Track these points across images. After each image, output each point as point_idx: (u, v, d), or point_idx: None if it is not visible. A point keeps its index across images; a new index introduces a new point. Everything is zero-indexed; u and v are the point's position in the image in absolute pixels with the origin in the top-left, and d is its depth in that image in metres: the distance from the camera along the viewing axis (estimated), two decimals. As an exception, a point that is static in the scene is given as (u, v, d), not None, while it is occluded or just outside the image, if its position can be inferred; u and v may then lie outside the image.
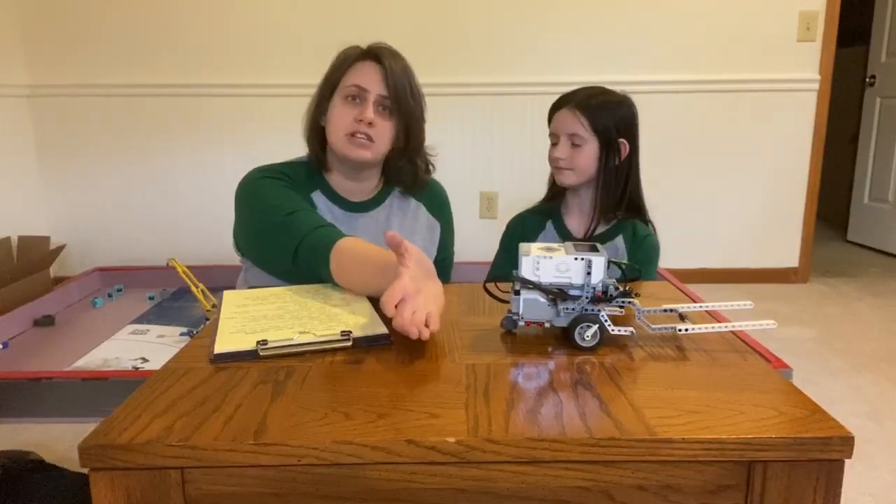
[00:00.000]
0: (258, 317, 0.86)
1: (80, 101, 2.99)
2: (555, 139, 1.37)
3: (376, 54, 1.20)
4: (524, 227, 1.45)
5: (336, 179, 1.27)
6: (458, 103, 2.97)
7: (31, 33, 2.93)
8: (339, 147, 1.20)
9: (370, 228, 1.28)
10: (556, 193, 1.46)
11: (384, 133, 1.21)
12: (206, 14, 2.92)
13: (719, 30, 2.93)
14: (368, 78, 1.18)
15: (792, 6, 2.91)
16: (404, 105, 1.20)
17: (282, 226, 1.11)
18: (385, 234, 0.83)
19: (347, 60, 1.22)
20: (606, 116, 1.33)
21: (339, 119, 1.19)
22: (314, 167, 1.27)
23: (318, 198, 1.25)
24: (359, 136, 1.18)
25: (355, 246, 1.01)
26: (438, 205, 1.38)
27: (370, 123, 1.18)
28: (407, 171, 1.29)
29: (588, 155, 1.34)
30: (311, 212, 1.17)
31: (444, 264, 1.41)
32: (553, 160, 1.37)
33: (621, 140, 1.36)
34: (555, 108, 1.38)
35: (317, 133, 1.25)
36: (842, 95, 3.77)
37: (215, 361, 0.72)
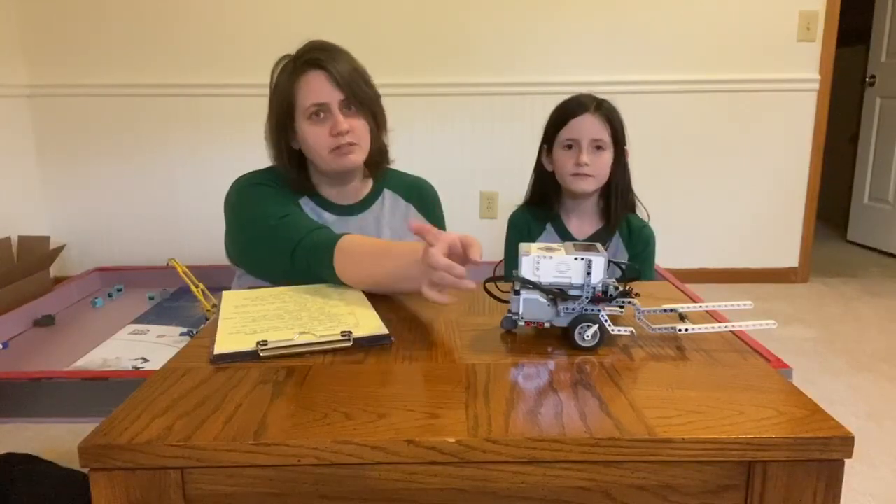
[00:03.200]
0: (258, 317, 0.86)
1: (80, 101, 2.99)
2: (571, 144, 1.36)
3: (315, 61, 1.16)
4: (527, 222, 1.45)
5: (323, 188, 1.26)
6: (458, 103, 2.97)
7: (31, 33, 2.93)
8: (328, 164, 1.19)
9: (362, 231, 1.27)
10: (546, 199, 1.46)
11: (362, 131, 1.20)
12: (206, 14, 2.92)
13: (719, 30, 2.93)
14: (321, 90, 1.15)
15: (792, 6, 2.91)
16: (363, 97, 1.19)
17: (276, 229, 1.10)
18: (410, 224, 0.86)
19: (291, 80, 1.17)
20: (618, 122, 1.37)
21: (316, 140, 1.17)
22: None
23: (306, 204, 1.24)
24: (342, 146, 1.17)
25: (359, 241, 1.02)
26: (429, 205, 1.37)
27: (346, 132, 1.16)
28: (377, 153, 1.27)
29: (607, 160, 1.36)
30: (304, 215, 1.17)
31: None
32: (575, 166, 1.35)
33: (626, 147, 1.40)
34: (570, 115, 1.36)
35: (290, 156, 1.22)
36: (842, 95, 3.77)
37: (215, 362, 0.72)
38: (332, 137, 1.16)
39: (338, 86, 1.15)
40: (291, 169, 1.22)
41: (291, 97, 1.17)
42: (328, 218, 1.25)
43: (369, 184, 1.31)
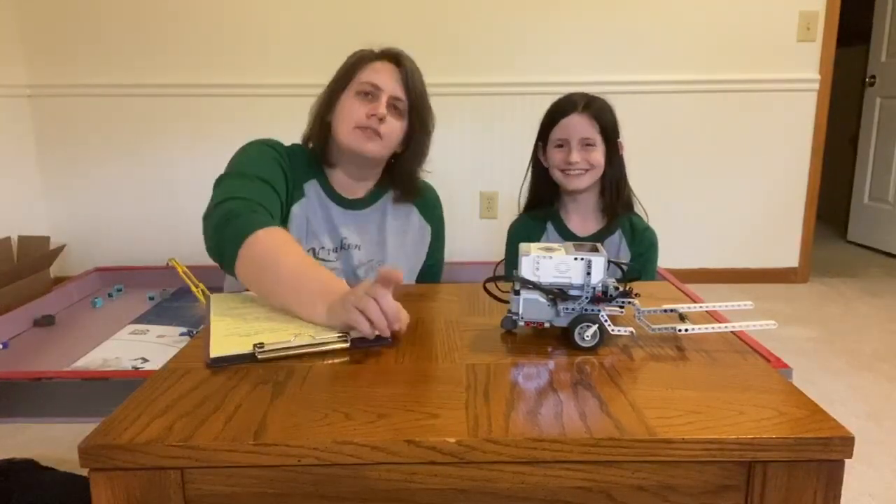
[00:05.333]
0: (250, 319, 0.85)
1: (80, 101, 2.99)
2: (562, 143, 1.38)
3: (395, 56, 1.19)
4: (527, 230, 1.46)
5: (337, 176, 1.26)
6: (457, 103, 2.97)
7: (31, 33, 2.93)
8: (346, 139, 1.18)
9: (364, 227, 1.27)
10: (543, 200, 1.48)
11: (393, 132, 1.20)
12: (207, 14, 2.92)
13: (719, 30, 2.93)
14: (385, 77, 1.17)
15: (792, 6, 2.91)
16: (416, 110, 1.19)
17: (220, 181, 1.10)
18: (379, 272, 0.77)
19: (363, 60, 1.20)
20: (609, 119, 1.39)
21: (349, 112, 1.18)
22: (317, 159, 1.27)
23: (311, 187, 1.24)
24: (369, 129, 1.17)
25: (276, 241, 0.94)
26: (431, 209, 1.37)
27: (381, 119, 1.16)
28: (407, 176, 1.28)
29: (599, 157, 1.38)
30: (267, 191, 1.11)
31: (433, 269, 1.40)
32: (567, 165, 1.38)
33: (619, 141, 1.40)
34: (560, 115, 1.39)
35: (321, 129, 1.24)
36: (842, 95, 3.77)
37: (212, 366, 0.72)
38: (366, 118, 1.17)
39: (402, 84, 1.17)
40: (317, 138, 1.24)
41: (353, 72, 1.20)
42: (331, 207, 1.25)
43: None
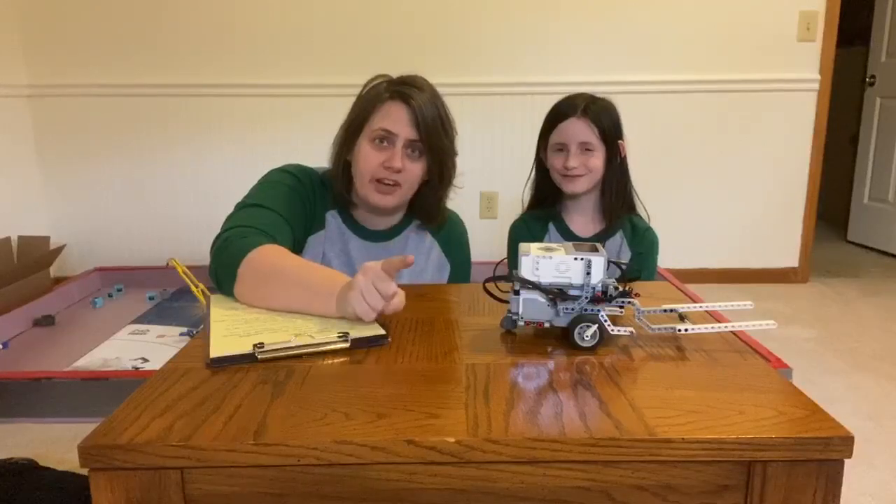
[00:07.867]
0: (250, 319, 0.85)
1: (80, 101, 2.99)
2: (561, 147, 1.38)
3: (405, 95, 1.15)
4: (529, 230, 1.45)
5: (359, 209, 1.25)
6: (457, 103, 2.93)
7: (31, 33, 2.93)
8: (364, 192, 1.17)
9: (383, 259, 1.25)
10: (546, 199, 1.47)
11: (412, 176, 1.17)
12: (207, 14, 2.92)
13: (719, 30, 2.93)
14: (397, 121, 1.14)
15: (792, 6, 2.91)
16: (436, 143, 1.16)
17: (231, 216, 1.10)
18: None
19: (375, 100, 1.17)
20: (609, 121, 1.37)
21: (366, 162, 1.15)
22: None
23: (332, 217, 1.23)
24: (385, 181, 1.15)
25: (273, 254, 0.97)
26: (454, 245, 1.34)
27: (398, 171, 1.14)
28: (433, 204, 1.25)
29: (598, 160, 1.37)
30: (277, 223, 1.11)
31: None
32: (565, 169, 1.37)
33: (620, 142, 1.40)
34: (559, 118, 1.38)
35: (343, 169, 1.21)
36: (842, 95, 3.77)
37: (212, 366, 0.72)
38: (383, 168, 1.14)
39: (415, 125, 1.14)
40: (339, 180, 1.21)
41: (367, 114, 1.17)
42: (350, 238, 1.23)
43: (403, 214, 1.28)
